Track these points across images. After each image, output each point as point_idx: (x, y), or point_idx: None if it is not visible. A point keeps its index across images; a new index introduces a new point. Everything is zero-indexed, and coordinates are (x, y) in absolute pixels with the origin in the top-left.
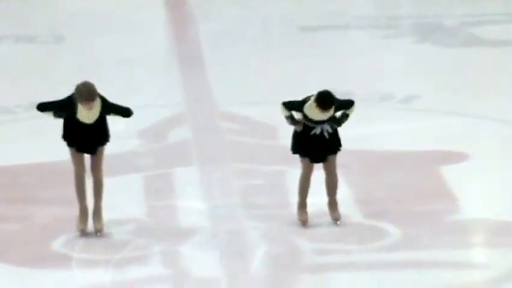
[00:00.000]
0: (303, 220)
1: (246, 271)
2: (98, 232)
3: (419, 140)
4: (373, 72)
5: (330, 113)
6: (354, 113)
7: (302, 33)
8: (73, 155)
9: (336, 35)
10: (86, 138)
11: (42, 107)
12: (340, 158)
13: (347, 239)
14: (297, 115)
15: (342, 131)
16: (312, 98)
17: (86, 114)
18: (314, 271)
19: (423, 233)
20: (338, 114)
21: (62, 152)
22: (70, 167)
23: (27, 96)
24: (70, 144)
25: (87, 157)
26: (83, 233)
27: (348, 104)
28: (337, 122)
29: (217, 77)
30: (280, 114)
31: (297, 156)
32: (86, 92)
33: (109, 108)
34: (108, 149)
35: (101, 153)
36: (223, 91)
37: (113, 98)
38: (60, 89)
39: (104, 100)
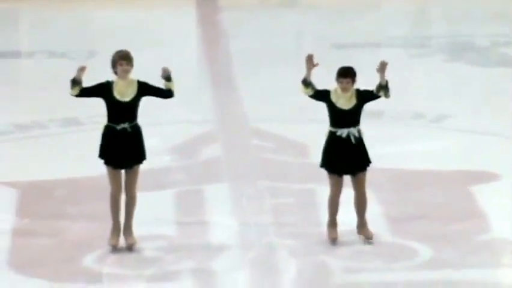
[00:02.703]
0: (333, 238)
1: None
2: (130, 247)
3: (450, 159)
4: (404, 91)
5: (351, 91)
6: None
7: (335, 50)
8: (110, 173)
9: (369, 53)
10: (123, 150)
11: (80, 93)
12: (370, 176)
13: (377, 257)
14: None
15: (373, 149)
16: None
17: (123, 88)
18: None
19: (453, 252)
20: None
21: (94, 167)
22: (101, 182)
23: (60, 111)
24: (106, 162)
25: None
26: (115, 249)
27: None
28: (379, 90)
29: (248, 94)
30: (303, 94)
31: (326, 173)
32: (123, 51)
33: (146, 87)
34: (140, 165)
35: (137, 171)
36: (255, 108)
37: (144, 113)
38: (92, 103)
39: (141, 81)
